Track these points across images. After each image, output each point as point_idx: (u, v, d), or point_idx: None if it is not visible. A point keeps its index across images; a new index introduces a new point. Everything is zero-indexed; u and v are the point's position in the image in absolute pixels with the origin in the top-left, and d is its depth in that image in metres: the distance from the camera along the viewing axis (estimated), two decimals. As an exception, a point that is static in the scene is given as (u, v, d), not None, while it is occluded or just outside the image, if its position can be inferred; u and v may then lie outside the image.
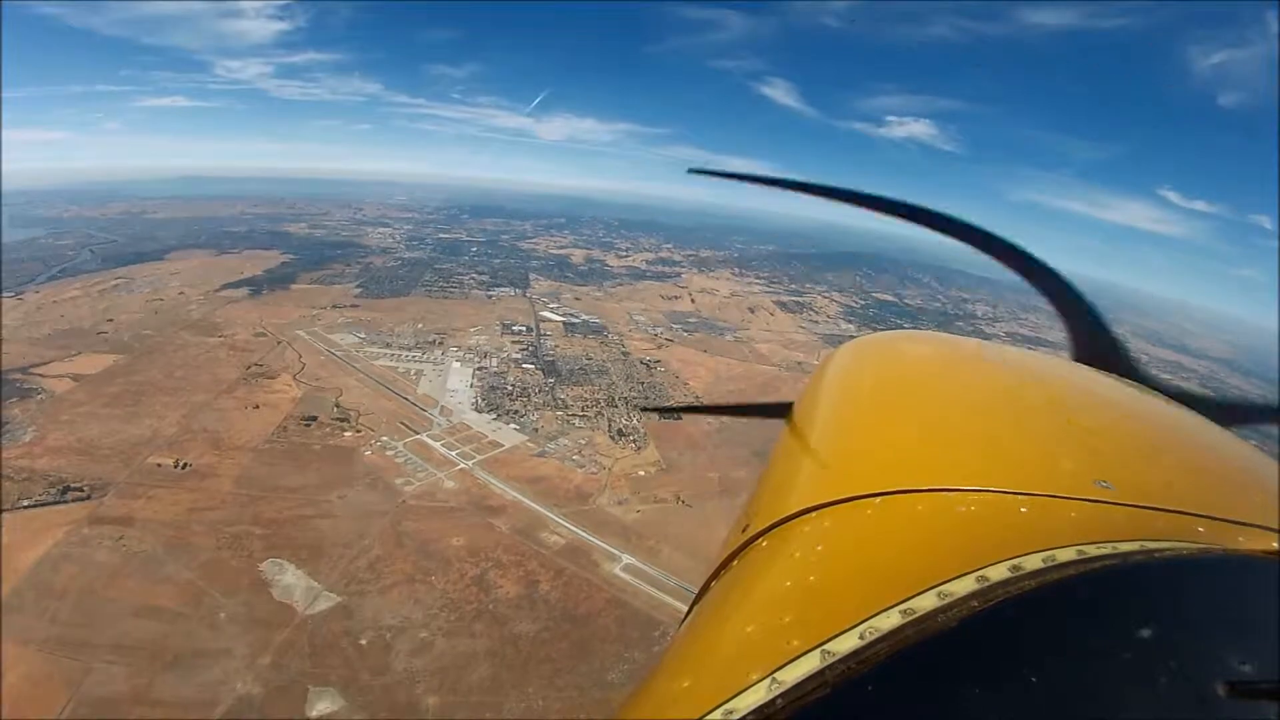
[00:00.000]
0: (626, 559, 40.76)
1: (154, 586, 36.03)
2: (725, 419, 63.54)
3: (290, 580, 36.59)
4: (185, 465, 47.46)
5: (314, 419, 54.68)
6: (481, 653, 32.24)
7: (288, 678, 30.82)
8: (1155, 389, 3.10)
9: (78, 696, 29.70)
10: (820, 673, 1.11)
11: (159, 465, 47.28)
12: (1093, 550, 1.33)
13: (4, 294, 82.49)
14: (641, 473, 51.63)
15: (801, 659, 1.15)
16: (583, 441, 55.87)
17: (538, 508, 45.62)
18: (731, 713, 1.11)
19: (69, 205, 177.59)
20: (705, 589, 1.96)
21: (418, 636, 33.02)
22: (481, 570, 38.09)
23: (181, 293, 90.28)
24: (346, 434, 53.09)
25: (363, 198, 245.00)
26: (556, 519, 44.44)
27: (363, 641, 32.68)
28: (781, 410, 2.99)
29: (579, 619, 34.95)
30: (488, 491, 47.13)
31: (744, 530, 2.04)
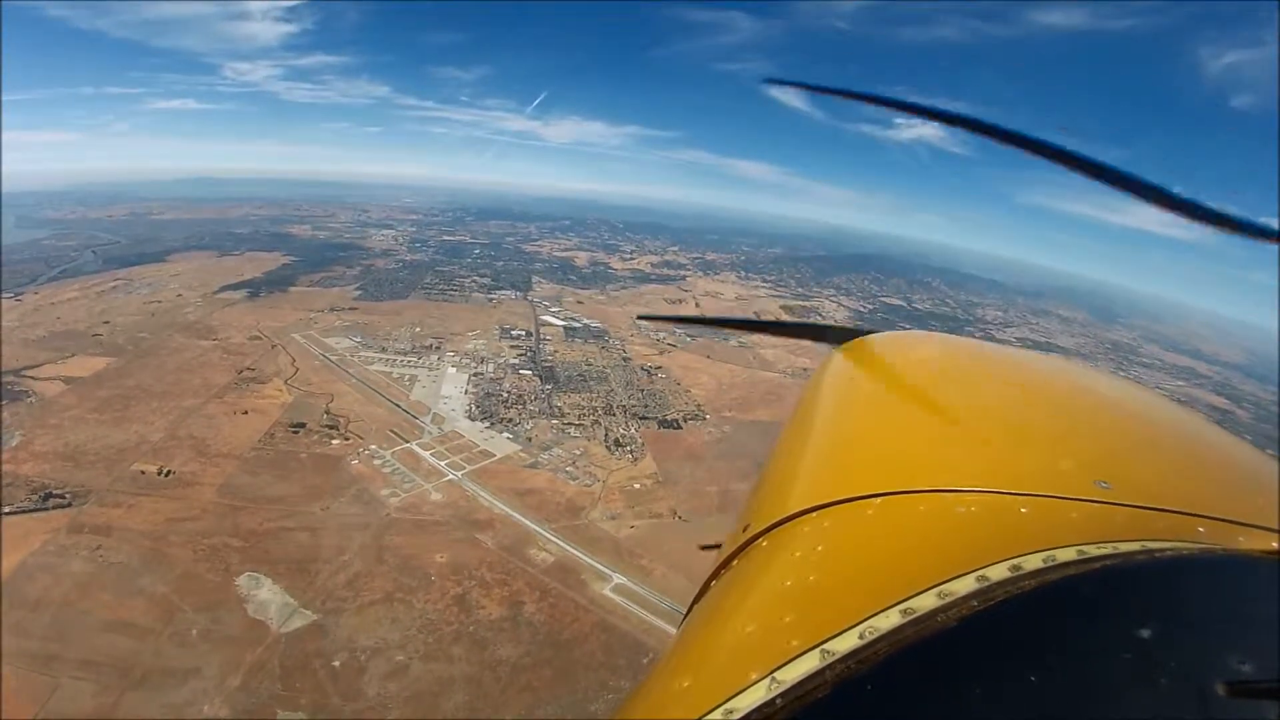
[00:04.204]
0: (617, 578, 39.05)
1: (128, 600, 35.15)
2: (728, 428, 61.85)
3: (266, 596, 35.31)
4: (169, 473, 46.45)
5: (302, 426, 53.52)
6: (459, 678, 30.73)
7: (257, 700, 29.66)
8: None
9: (43, 713, 28.80)
10: (820, 672, 1.12)
11: (142, 472, 46.33)
12: (1093, 550, 1.34)
13: (3, 295, 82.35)
14: (637, 486, 49.92)
15: (801, 658, 1.16)
16: (577, 452, 54.25)
17: (527, 522, 44.03)
18: (731, 712, 1.12)
19: (75, 206, 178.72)
20: (705, 589, 1.94)
21: (393, 659, 31.59)
22: (464, 589, 36.55)
23: (180, 295, 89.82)
24: (334, 442, 51.85)
25: (369, 200, 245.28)
26: (546, 534, 42.83)
27: (336, 663, 31.30)
28: (830, 334, 2.93)
29: (564, 644, 33.33)
30: (475, 504, 45.61)
31: (744, 530, 2.03)
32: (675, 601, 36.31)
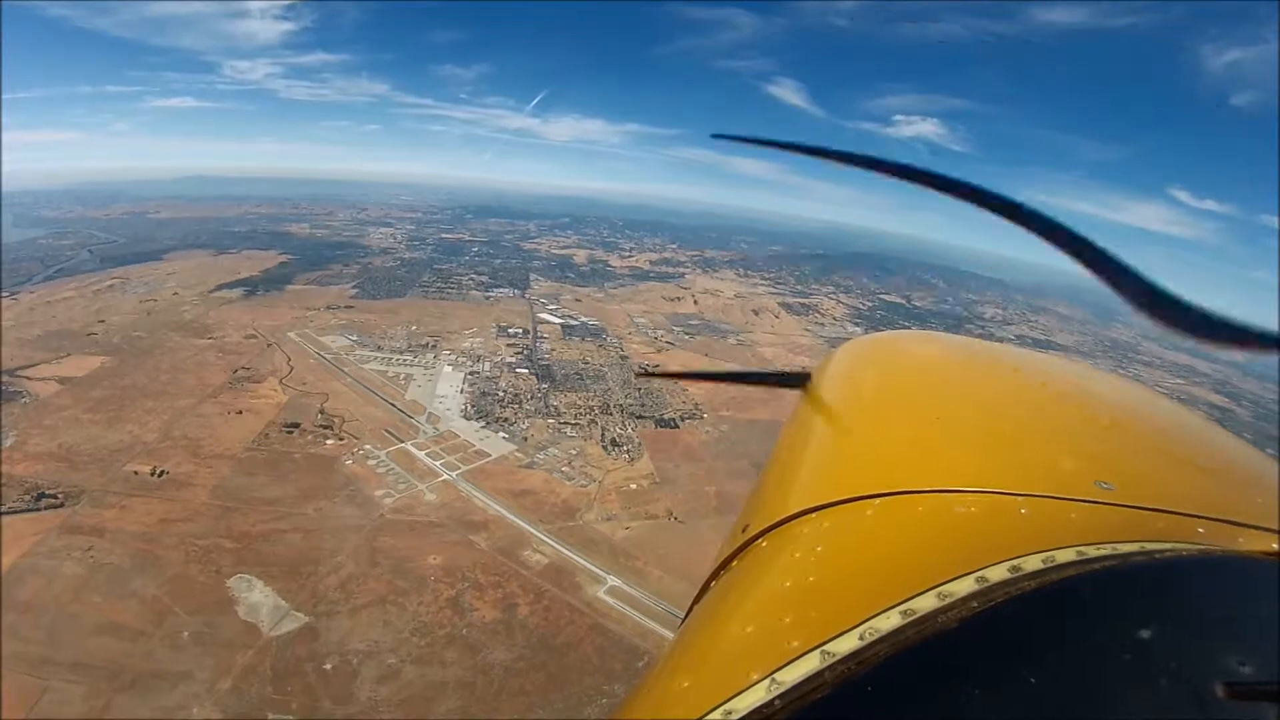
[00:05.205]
0: (612, 581, 38.68)
1: (119, 602, 34.93)
2: (725, 428, 61.58)
3: (257, 598, 35.03)
4: (162, 473, 46.15)
5: (297, 426, 53.17)
6: (451, 683, 30.43)
7: (247, 704, 29.43)
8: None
9: (33, 716, 28.57)
10: (820, 673, 1.12)
11: (135, 473, 46.04)
12: (1093, 551, 1.34)
13: (1, 295, 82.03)
14: (633, 486, 49.54)
15: (801, 659, 1.17)
16: (573, 452, 53.86)
17: (521, 523, 43.65)
18: (731, 713, 1.12)
19: (74, 205, 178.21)
20: (705, 589, 1.94)
21: (386, 663, 31.28)
22: (458, 592, 36.24)
23: (176, 293, 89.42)
24: (329, 442, 51.46)
25: (368, 198, 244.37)
26: (541, 536, 42.45)
27: (327, 667, 31.02)
28: (795, 381, 2.85)
29: (558, 647, 33.01)
30: (470, 505, 45.25)
31: (744, 530, 2.03)
32: (671, 605, 35.99)
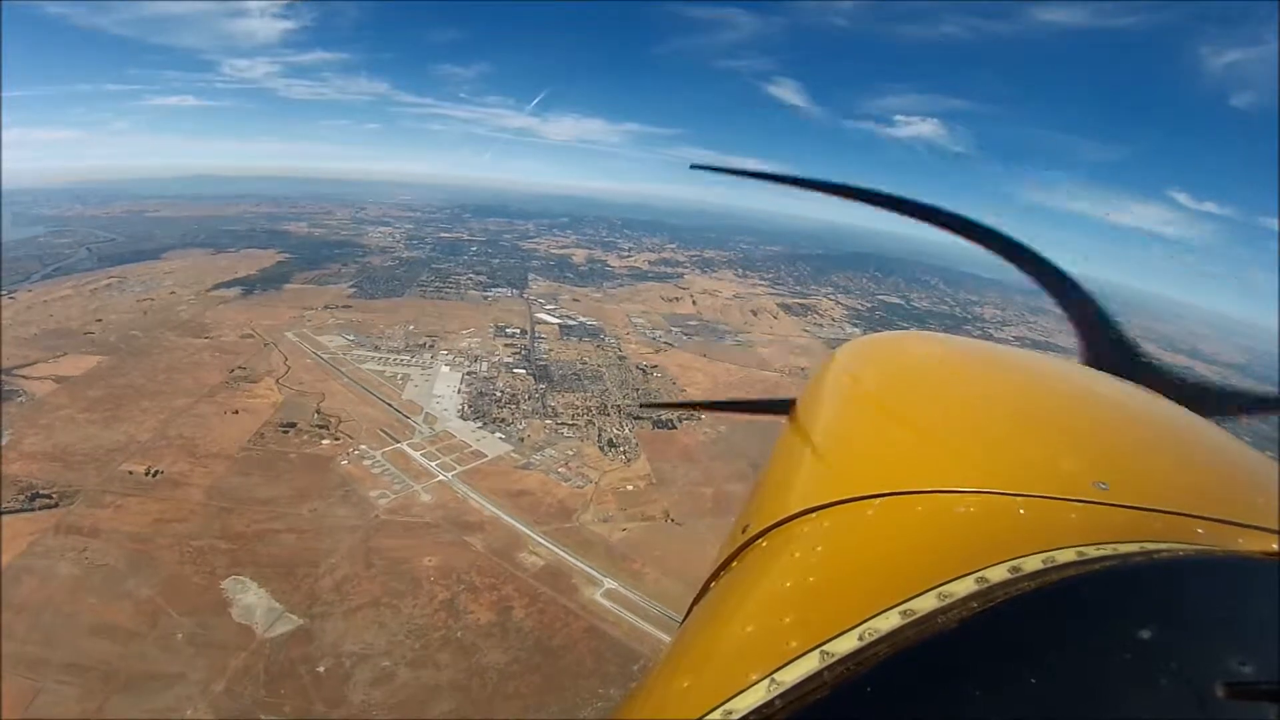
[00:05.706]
0: (608, 583, 38.58)
1: (113, 603, 34.88)
2: (723, 428, 61.51)
3: (252, 600, 34.94)
4: (157, 473, 46.05)
5: (293, 425, 53.08)
6: (445, 685, 30.34)
7: (240, 706, 29.42)
8: (1176, 388, 2.97)
9: (28, 717, 28.52)
10: (819, 674, 1.13)
11: (131, 473, 45.93)
12: (1092, 551, 1.34)
13: (1, 294, 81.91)
14: (630, 487, 49.45)
15: (801, 660, 1.17)
16: (570, 452, 53.78)
17: (517, 525, 43.57)
18: (731, 713, 1.13)
19: (73, 204, 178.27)
20: (705, 589, 1.95)
21: (379, 666, 31.21)
22: (452, 594, 36.15)
23: (173, 292, 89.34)
24: (324, 442, 51.40)
25: (367, 197, 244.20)
26: (536, 537, 42.38)
27: (321, 669, 30.95)
28: (782, 407, 2.96)
29: (553, 650, 32.92)
30: (466, 506, 45.18)
31: (744, 530, 2.04)
32: (667, 607, 35.90)
